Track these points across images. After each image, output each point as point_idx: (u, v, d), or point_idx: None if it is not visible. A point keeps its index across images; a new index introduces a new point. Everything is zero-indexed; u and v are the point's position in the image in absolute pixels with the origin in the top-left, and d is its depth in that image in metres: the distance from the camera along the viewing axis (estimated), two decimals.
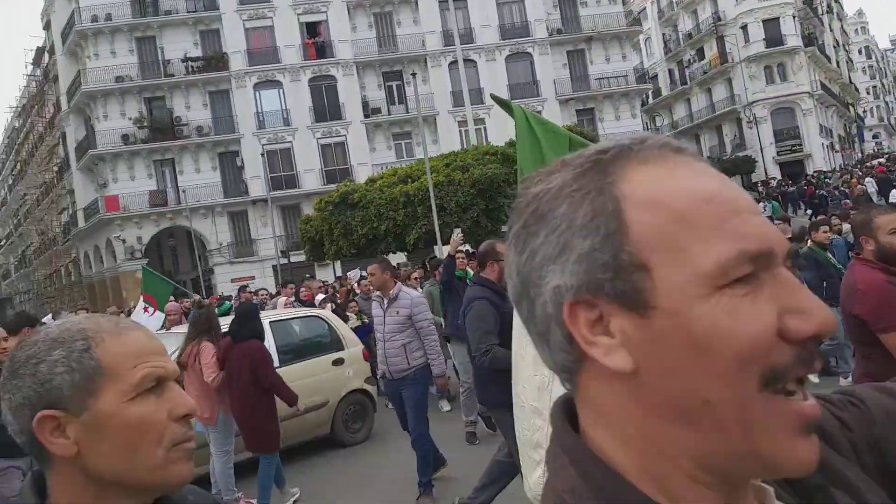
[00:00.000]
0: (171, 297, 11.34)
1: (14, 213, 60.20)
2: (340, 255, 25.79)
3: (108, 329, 0.98)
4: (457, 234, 7.65)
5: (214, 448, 5.88)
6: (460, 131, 35.52)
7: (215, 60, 34.83)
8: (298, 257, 30.67)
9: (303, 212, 33.39)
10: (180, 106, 35.03)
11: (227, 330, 5.97)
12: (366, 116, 35.99)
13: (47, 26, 40.68)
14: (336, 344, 8.05)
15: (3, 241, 67.93)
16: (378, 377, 6.14)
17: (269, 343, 6.70)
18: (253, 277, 33.16)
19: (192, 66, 34.81)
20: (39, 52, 44.54)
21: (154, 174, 35.15)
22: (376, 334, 5.90)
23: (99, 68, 34.18)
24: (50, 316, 12.65)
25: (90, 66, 34.25)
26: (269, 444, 5.62)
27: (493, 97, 4.25)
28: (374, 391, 8.15)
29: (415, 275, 12.59)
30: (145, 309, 10.48)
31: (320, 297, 12.55)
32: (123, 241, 34.16)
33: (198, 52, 35.03)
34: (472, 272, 8.44)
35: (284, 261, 30.96)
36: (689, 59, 54.50)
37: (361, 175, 32.37)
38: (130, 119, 34.45)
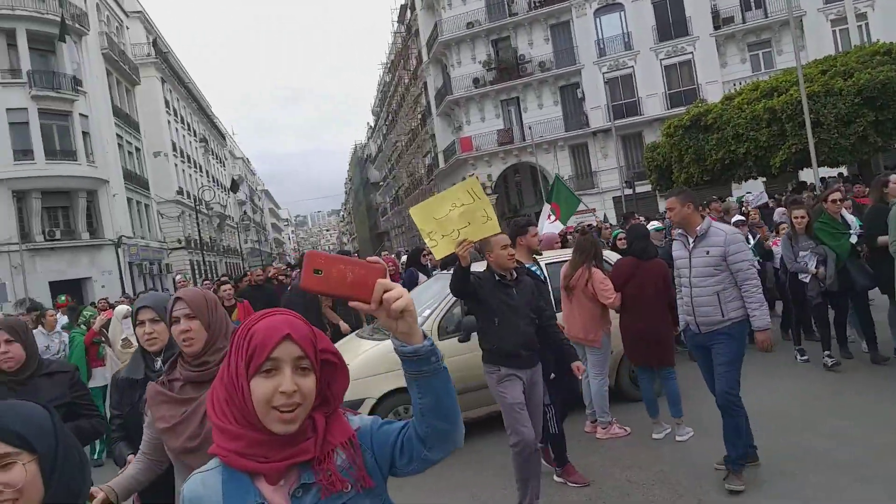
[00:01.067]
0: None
1: (388, 158, 69.98)
2: (691, 183, 24.28)
3: None
4: None
5: (592, 370, 5.97)
6: (833, 32, 30.36)
7: None
8: (643, 187, 29.86)
9: (645, 140, 32.33)
10: (524, 43, 36.28)
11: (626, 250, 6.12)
12: (715, 28, 32.91)
13: None
14: None
15: (381, 183, 79.77)
16: (680, 329, 5.05)
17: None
18: (594, 210, 33.42)
19: (534, 2, 35.66)
20: (403, 9, 49.99)
21: (501, 113, 37.28)
22: (680, 279, 4.93)
23: (453, 17, 37.10)
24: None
25: (445, 17, 37.36)
26: (670, 357, 5.73)
27: None
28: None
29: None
30: (549, 217, 11.29)
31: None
32: (477, 178, 37.11)
33: None
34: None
35: (629, 191, 30.41)
36: None
37: (710, 94, 29.94)
38: (480, 63, 36.87)
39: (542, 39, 36.00)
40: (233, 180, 53.22)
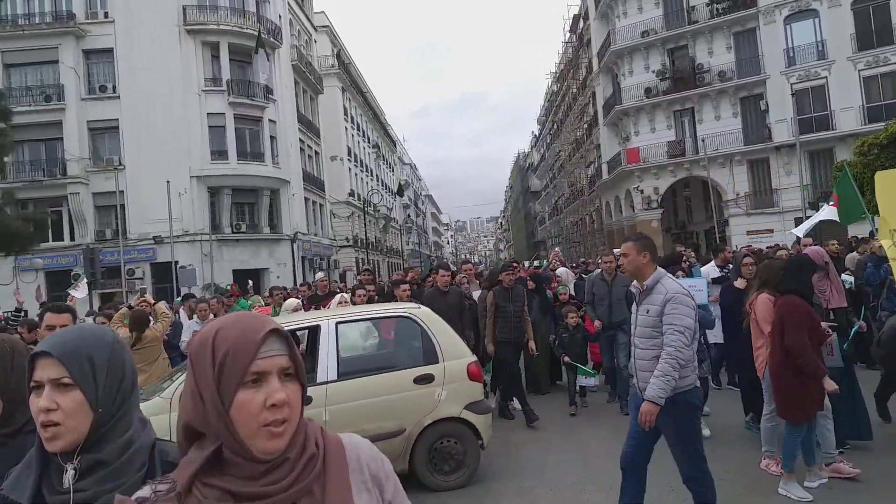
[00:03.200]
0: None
1: (550, 167, 69.54)
2: None
3: None
4: None
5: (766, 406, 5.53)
6: None
7: None
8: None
9: (836, 157, 29.36)
10: (703, 52, 34.38)
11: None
12: None
13: None
14: (428, 355, 5.92)
15: (542, 192, 79.42)
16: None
17: (330, 350, 5.61)
18: (771, 231, 30.91)
19: (717, 9, 33.69)
20: (575, 19, 49.47)
21: (673, 125, 35.60)
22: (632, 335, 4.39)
23: (628, 26, 36.05)
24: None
25: (619, 26, 36.39)
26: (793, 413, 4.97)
27: None
28: (485, 421, 5.89)
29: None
30: (830, 203, 10.26)
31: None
32: (641, 191, 35.80)
33: None
34: None
35: (812, 212, 27.72)
36: None
37: None
38: (653, 72, 35.49)
39: (723, 48, 33.89)
40: (399, 185, 55.52)
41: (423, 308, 6.27)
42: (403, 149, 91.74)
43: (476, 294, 9.19)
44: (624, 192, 37.97)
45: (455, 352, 5.97)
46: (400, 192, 52.54)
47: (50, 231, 28.53)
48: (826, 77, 31.22)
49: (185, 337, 8.44)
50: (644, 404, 3.94)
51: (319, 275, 9.67)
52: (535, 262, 14.73)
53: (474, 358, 6.13)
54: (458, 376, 5.84)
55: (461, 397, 5.80)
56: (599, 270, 9.18)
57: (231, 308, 8.96)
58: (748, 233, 31.52)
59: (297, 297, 9.67)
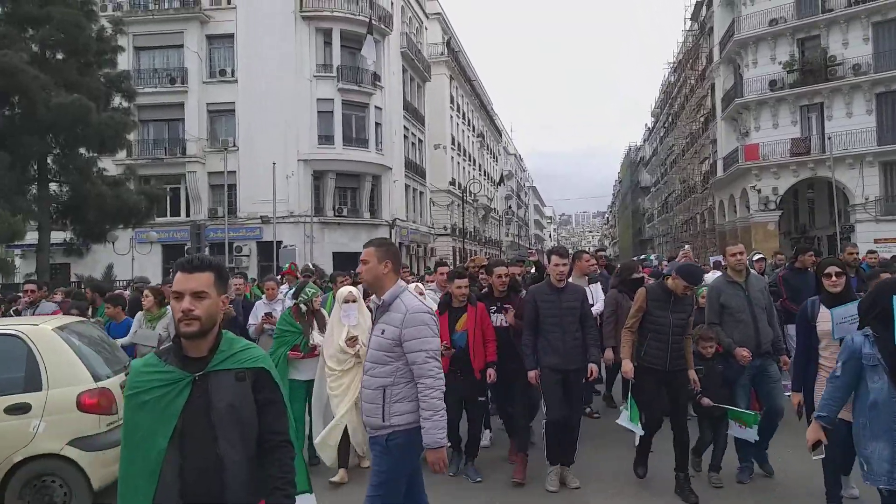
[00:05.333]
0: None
1: (662, 161, 66.76)
2: None
3: None
4: None
5: None
6: None
7: None
8: None
9: None
10: (836, 43, 31.58)
11: None
12: None
13: None
14: (31, 381, 5.05)
15: (652, 187, 76.49)
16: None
17: None
18: (853, 244, 28.07)
19: None
20: (698, 6, 46.91)
21: (799, 120, 33.03)
22: None
23: (754, 14, 33.70)
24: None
25: (745, 13, 34.09)
26: None
27: None
28: (95, 460, 4.98)
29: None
30: None
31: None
32: (759, 190, 33.58)
33: None
34: None
35: None
36: None
37: None
38: (780, 63, 33.04)
39: (860, 39, 30.96)
40: (501, 175, 55.12)
41: (42, 326, 5.41)
42: (510, 139, 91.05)
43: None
44: (740, 191, 35.75)
45: (66, 378, 5.10)
46: (501, 181, 52.14)
47: (168, 207, 30.37)
48: None
49: (253, 320, 7.64)
50: (429, 453, 3.40)
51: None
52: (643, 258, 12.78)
53: (92, 385, 5.14)
54: (65, 407, 5.01)
55: (65, 431, 4.98)
56: (720, 273, 6.87)
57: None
58: (875, 240, 28.80)
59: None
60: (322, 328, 6.11)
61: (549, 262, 5.92)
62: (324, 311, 6.44)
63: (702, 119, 45.15)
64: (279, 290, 8.29)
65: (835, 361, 3.94)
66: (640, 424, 5.48)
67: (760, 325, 5.59)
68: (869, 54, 30.71)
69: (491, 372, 5.90)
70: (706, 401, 5.55)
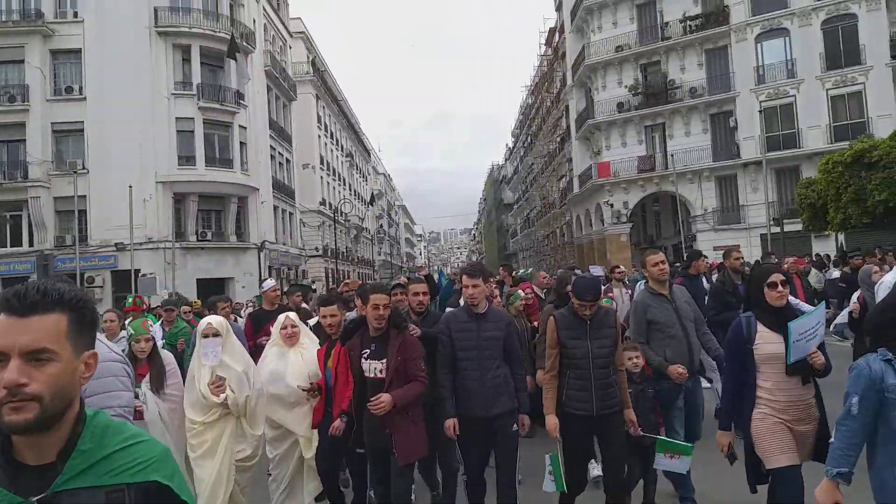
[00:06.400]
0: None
1: (523, 180, 69.82)
2: (847, 226, 22.14)
3: None
4: None
5: None
6: None
7: (715, 16, 33.45)
8: (793, 226, 27.52)
9: (802, 175, 29.86)
10: (675, 69, 34.76)
11: None
12: (892, 58, 29.79)
13: (559, 7, 45.13)
14: None
15: (514, 204, 79.67)
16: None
17: None
18: (737, 246, 31.16)
19: (690, 26, 34.14)
20: (551, 32, 49.80)
21: (644, 140, 35.90)
22: None
23: (602, 40, 36.33)
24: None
25: (594, 39, 36.65)
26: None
27: None
28: None
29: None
30: None
31: None
32: (611, 205, 35.98)
33: (697, 10, 34.16)
34: None
35: (776, 229, 28.09)
36: None
37: (881, 129, 27.08)
38: (626, 87, 35.78)
39: (695, 64, 34.31)
40: (371, 194, 55.16)
41: None
42: (378, 159, 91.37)
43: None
44: (594, 205, 38.11)
45: None
46: (372, 201, 52.18)
47: (8, 235, 27.66)
48: (794, 95, 31.73)
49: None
50: None
51: (269, 283, 7.32)
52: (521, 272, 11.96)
53: None
54: None
55: None
56: (641, 282, 6.38)
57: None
58: (715, 248, 31.75)
59: (232, 312, 7.83)
60: (156, 381, 4.52)
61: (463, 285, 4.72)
62: (170, 357, 4.90)
63: (558, 139, 47.68)
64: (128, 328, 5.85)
65: (779, 394, 3.54)
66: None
67: (692, 340, 5.05)
68: (703, 78, 34.04)
69: (338, 424, 4.54)
70: (639, 431, 4.55)
